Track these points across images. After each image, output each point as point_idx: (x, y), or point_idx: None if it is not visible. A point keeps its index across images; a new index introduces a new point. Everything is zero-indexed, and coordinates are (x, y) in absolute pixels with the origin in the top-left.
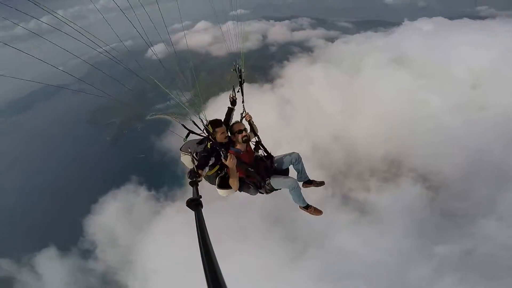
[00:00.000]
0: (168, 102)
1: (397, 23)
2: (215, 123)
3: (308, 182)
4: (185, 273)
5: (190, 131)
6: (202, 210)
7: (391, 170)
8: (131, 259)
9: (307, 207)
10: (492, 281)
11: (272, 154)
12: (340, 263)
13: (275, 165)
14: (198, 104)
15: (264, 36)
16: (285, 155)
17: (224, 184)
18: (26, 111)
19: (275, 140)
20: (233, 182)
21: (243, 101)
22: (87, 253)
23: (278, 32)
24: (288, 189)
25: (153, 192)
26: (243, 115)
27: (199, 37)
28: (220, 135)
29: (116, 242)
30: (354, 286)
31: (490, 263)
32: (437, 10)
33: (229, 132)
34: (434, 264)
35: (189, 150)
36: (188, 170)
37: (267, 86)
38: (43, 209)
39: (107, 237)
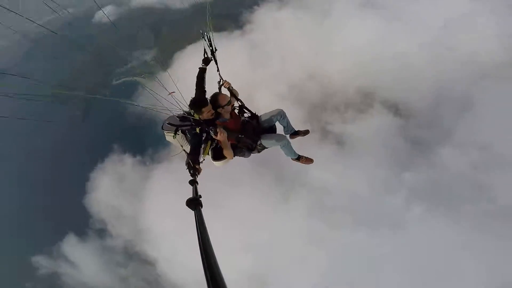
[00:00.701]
0: (129, 65)
1: None
2: (199, 104)
3: (295, 133)
4: (188, 231)
5: (178, 126)
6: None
7: (365, 102)
8: (141, 228)
9: (298, 158)
10: (451, 211)
11: (256, 114)
12: (324, 199)
13: (262, 124)
14: (163, 63)
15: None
16: (270, 113)
17: (218, 155)
18: None
19: (251, 84)
20: (228, 152)
21: (218, 70)
22: (102, 232)
23: None
24: (279, 146)
25: (138, 158)
26: (221, 83)
27: None
28: (207, 113)
29: (121, 214)
30: (339, 219)
31: (447, 192)
32: None
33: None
34: (404, 194)
35: (174, 128)
36: (185, 162)
37: (237, 32)
38: (42, 200)
39: (111, 212)
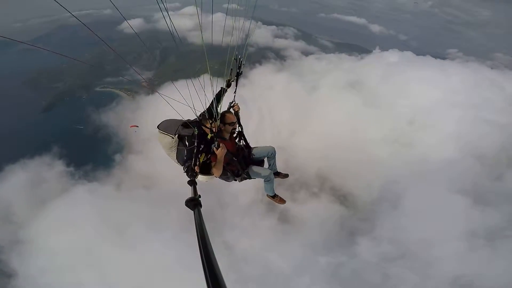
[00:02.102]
0: (121, 78)
1: (370, 51)
2: (224, 112)
3: (276, 174)
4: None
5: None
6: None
7: (319, 185)
8: (20, 238)
9: (274, 196)
10: None
11: (250, 145)
12: (248, 266)
13: (253, 155)
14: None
15: (247, 36)
16: (263, 148)
17: (204, 170)
18: None
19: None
20: (218, 170)
21: (235, 92)
22: None
23: (262, 35)
24: (263, 179)
25: (71, 168)
26: (233, 104)
27: (180, 20)
28: (221, 125)
29: (8, 216)
30: None
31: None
32: (413, 46)
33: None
34: (313, 274)
35: (172, 132)
36: (185, 165)
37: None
38: None
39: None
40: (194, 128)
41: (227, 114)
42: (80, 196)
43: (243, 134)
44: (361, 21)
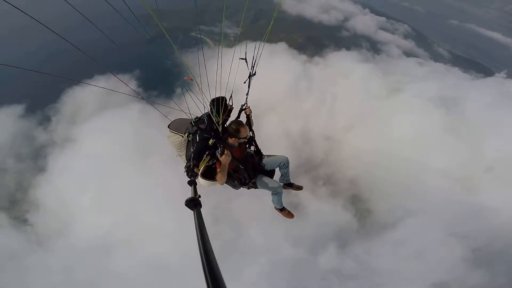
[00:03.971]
0: (213, 27)
1: (492, 73)
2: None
3: (288, 185)
4: None
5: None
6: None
7: (343, 188)
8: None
9: (282, 209)
10: None
11: (261, 152)
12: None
13: (263, 164)
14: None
15: (346, 19)
16: (274, 156)
17: (208, 174)
18: None
19: (272, 105)
20: (222, 177)
21: (247, 94)
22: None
23: (364, 23)
24: (271, 192)
25: (140, 89)
26: (244, 107)
27: None
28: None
29: (72, 117)
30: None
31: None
32: None
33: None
34: (310, 272)
35: (182, 131)
36: (185, 166)
37: (303, 57)
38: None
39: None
40: (205, 120)
41: (242, 129)
42: (132, 112)
43: (254, 140)
44: (506, 40)
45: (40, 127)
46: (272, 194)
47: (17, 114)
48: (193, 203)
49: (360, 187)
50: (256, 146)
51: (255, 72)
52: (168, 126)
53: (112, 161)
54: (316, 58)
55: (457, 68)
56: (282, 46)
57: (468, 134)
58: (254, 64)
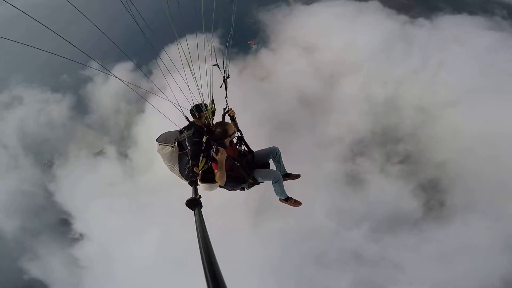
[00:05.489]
0: None
1: None
2: (230, 128)
3: (286, 175)
4: None
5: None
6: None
7: (421, 172)
8: None
9: (287, 199)
10: None
11: (252, 150)
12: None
13: (257, 159)
14: None
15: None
16: (265, 150)
17: (206, 178)
18: None
19: (356, 66)
20: (221, 176)
21: (226, 96)
22: None
23: None
24: (271, 181)
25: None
26: (226, 110)
27: None
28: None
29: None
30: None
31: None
32: None
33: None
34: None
35: (171, 142)
36: (186, 168)
37: (403, 18)
38: None
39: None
40: (191, 127)
41: (227, 127)
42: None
43: (243, 139)
44: None
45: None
46: (273, 184)
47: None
48: (194, 203)
49: (444, 174)
50: (246, 144)
51: (228, 75)
52: (156, 140)
53: None
54: (421, 20)
55: None
56: (374, 4)
57: None
58: (226, 68)
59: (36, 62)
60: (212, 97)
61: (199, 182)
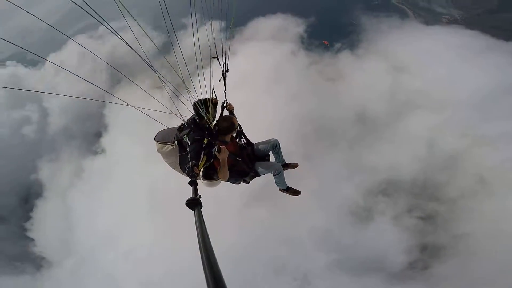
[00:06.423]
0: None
1: None
2: (235, 122)
3: (284, 165)
4: None
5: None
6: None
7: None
8: None
9: (287, 189)
10: None
11: (252, 142)
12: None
13: (257, 152)
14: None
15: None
16: (264, 142)
17: (209, 175)
18: None
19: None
20: (224, 173)
21: (225, 91)
22: None
23: None
24: (272, 173)
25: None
26: (225, 104)
27: None
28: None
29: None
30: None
31: None
32: None
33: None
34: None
35: (171, 140)
36: (187, 167)
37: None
38: None
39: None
40: (197, 134)
41: (233, 120)
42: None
43: (243, 132)
44: None
45: None
46: (274, 175)
47: None
48: (194, 203)
49: (453, 246)
50: (246, 137)
51: (227, 69)
52: (154, 139)
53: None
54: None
55: None
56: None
57: None
58: (225, 62)
59: None
60: (213, 87)
61: (202, 179)
